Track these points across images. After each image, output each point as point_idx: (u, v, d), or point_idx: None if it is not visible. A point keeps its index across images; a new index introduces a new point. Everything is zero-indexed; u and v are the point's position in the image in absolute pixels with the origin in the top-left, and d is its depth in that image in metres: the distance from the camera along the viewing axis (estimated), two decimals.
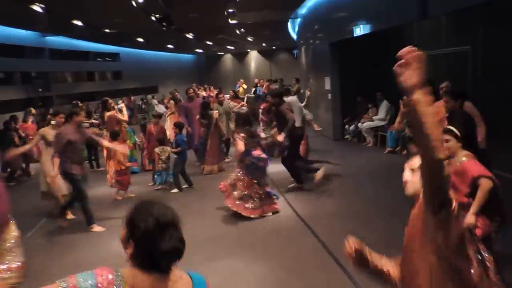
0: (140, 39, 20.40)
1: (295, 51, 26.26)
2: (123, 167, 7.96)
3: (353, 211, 6.72)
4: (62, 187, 6.99)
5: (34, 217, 7.32)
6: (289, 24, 19.10)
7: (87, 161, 11.04)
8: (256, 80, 22.77)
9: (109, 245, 6.03)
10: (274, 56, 33.41)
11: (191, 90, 10.89)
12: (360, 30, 9.92)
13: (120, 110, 10.11)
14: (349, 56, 11.91)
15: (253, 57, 34.22)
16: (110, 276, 1.57)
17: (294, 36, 20.34)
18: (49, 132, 7.12)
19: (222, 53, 34.16)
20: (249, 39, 23.38)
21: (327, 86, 12.84)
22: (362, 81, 11.76)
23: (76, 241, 6.26)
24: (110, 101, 10.02)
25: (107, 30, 16.60)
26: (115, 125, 9.31)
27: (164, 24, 12.54)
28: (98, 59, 23.31)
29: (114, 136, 8.12)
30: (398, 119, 10.04)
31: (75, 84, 21.05)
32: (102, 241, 6.24)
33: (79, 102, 13.53)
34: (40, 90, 16.56)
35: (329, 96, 12.81)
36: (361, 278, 4.51)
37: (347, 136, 12.66)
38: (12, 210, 6.76)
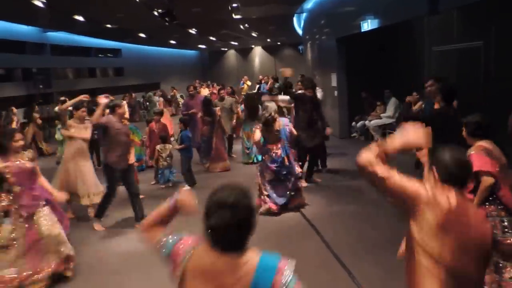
0: (142, 35, 20.15)
1: (300, 47, 25.96)
2: None
3: (358, 210, 6.58)
4: (73, 184, 6.66)
5: None
6: (295, 19, 18.80)
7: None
8: (260, 77, 22.47)
9: (108, 245, 5.94)
10: (279, 52, 33.06)
11: (192, 88, 10.58)
12: (367, 25, 9.64)
13: None
14: (356, 52, 11.62)
15: (258, 53, 33.90)
16: (186, 247, 1.89)
17: (300, 31, 20.06)
18: (73, 125, 6.83)
19: (226, 49, 33.87)
20: (253, 34, 23.09)
21: (334, 83, 12.56)
22: (369, 77, 11.48)
23: (74, 241, 5.95)
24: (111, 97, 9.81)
25: (108, 26, 16.36)
26: None
27: (166, 19, 12.25)
28: (100, 55, 23.05)
29: None
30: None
31: (76, 80, 20.79)
32: (102, 241, 6.12)
33: (67, 99, 13.22)
34: (41, 86, 16.31)
35: (336, 93, 12.54)
36: (364, 278, 4.41)
37: (354, 134, 12.39)
38: None
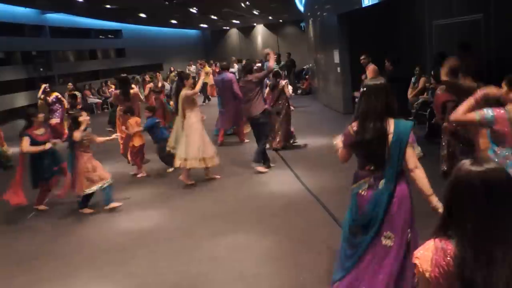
0: (143, 15, 19.94)
1: (302, 24, 25.60)
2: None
3: None
4: None
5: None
6: None
7: None
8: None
9: (115, 225, 6.00)
10: (282, 30, 32.63)
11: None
12: (369, 0, 9.47)
13: None
14: (358, 27, 11.45)
15: (260, 32, 33.48)
16: (502, 111, 3.16)
17: (301, 8, 19.75)
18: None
19: (228, 28, 33.50)
20: (255, 12, 22.79)
21: (336, 59, 12.42)
22: (372, 53, 11.32)
23: (82, 221, 6.21)
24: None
25: (108, 6, 16.19)
26: (134, 103, 9.14)
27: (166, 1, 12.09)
28: (100, 36, 22.84)
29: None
30: (409, 91, 9.72)
31: (77, 62, 20.71)
32: (107, 220, 6.19)
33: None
34: (41, 69, 16.21)
35: (338, 69, 12.41)
36: None
37: None
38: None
